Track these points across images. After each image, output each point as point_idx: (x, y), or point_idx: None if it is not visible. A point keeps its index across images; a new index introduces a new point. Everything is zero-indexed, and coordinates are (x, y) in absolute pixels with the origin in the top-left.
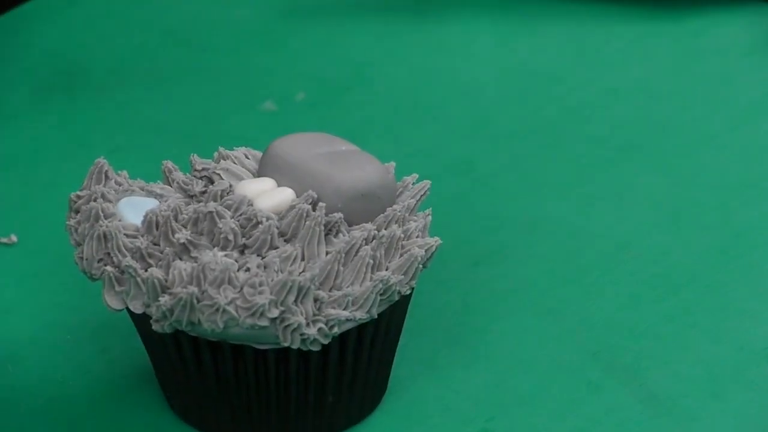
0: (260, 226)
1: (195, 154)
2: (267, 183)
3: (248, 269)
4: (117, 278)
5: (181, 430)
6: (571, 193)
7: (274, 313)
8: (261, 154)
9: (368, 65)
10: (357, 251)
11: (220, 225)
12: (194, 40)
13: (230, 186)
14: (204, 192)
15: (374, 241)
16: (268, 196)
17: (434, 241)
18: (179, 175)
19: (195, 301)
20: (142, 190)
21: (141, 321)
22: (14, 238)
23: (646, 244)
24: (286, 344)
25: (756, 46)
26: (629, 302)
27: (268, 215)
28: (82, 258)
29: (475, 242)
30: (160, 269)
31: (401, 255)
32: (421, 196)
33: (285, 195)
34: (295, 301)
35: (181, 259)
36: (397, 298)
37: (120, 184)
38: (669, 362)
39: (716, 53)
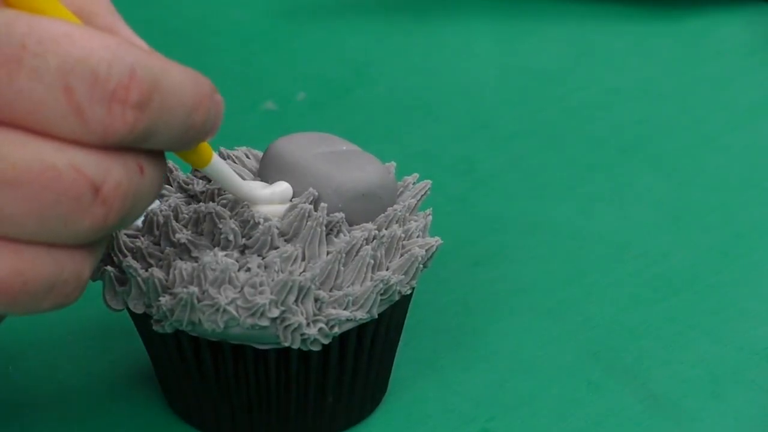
0: (260, 226)
1: None
2: (265, 187)
3: (249, 269)
4: (117, 278)
5: (181, 430)
6: (571, 194)
7: (275, 313)
8: (261, 153)
9: (368, 65)
10: (357, 251)
11: (221, 225)
12: (195, 40)
13: None
14: (204, 192)
15: (375, 241)
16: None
17: (435, 241)
18: (180, 175)
19: (195, 301)
20: None
21: (141, 321)
22: None
23: (646, 244)
24: (286, 344)
25: (756, 47)
26: (630, 303)
27: (265, 216)
28: None
29: (475, 242)
30: (161, 269)
31: (402, 255)
32: (422, 195)
33: (280, 206)
34: (296, 301)
35: (181, 259)
36: (397, 298)
37: None
38: (670, 362)
39: (717, 53)
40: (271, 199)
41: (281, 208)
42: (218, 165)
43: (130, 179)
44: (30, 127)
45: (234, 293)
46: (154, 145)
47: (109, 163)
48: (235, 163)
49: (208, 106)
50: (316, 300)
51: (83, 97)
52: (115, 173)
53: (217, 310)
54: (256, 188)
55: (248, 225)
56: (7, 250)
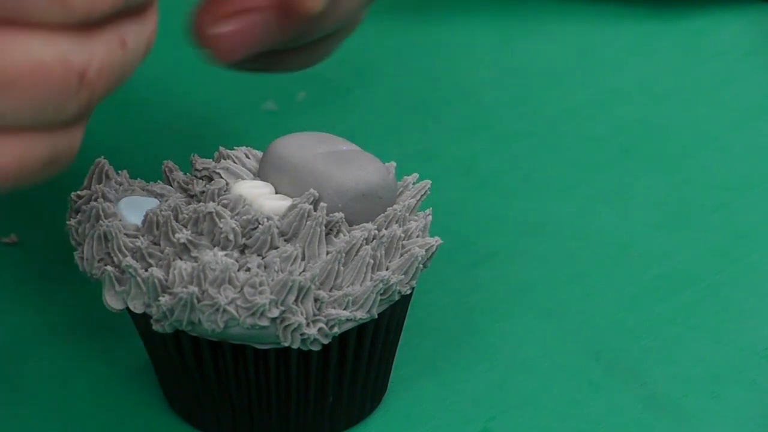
0: (260, 226)
1: (195, 154)
2: (265, 186)
3: (248, 269)
4: (117, 278)
5: (181, 430)
6: (572, 194)
7: (275, 313)
8: (261, 153)
9: (368, 65)
10: (357, 251)
11: (221, 225)
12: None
13: (227, 184)
14: (204, 192)
15: (374, 240)
16: (267, 199)
17: (435, 240)
18: (179, 175)
19: (195, 301)
20: (143, 190)
21: (141, 321)
22: (14, 237)
23: (647, 245)
24: (286, 344)
25: (756, 47)
26: (630, 303)
27: (268, 215)
28: (82, 258)
29: (475, 242)
30: (161, 269)
31: (402, 255)
32: (422, 195)
33: (283, 201)
34: (296, 301)
35: (181, 258)
36: (397, 298)
37: (120, 184)
38: (670, 363)
39: (717, 53)
40: None
41: (283, 205)
42: None
43: (112, 58)
44: (17, 19)
45: (234, 293)
46: (138, 3)
47: (92, 45)
48: (235, 163)
49: None
50: (316, 300)
51: None
52: (98, 55)
53: (217, 310)
54: None
55: (248, 224)
56: (6, 140)
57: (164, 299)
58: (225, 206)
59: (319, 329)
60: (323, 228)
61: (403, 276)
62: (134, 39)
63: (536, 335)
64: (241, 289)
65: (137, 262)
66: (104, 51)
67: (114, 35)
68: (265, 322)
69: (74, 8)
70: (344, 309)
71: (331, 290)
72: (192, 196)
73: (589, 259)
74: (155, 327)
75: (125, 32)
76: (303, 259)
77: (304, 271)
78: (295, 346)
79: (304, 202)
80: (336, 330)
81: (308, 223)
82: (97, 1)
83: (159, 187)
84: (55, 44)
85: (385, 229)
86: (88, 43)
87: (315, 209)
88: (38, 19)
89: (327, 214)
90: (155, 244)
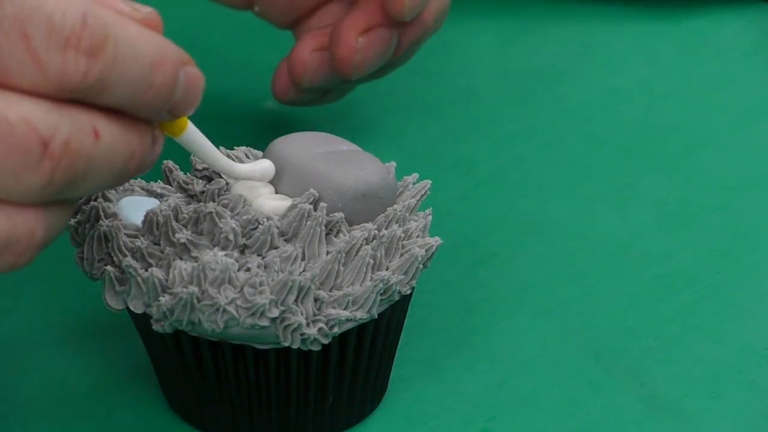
0: (260, 226)
1: None
2: (265, 186)
3: (248, 269)
4: (117, 278)
5: (181, 430)
6: (572, 194)
7: (275, 313)
8: (261, 153)
9: None
10: (357, 251)
11: (221, 225)
12: (195, 39)
13: (227, 184)
14: (204, 192)
15: (374, 240)
16: (267, 199)
17: (435, 240)
18: (179, 175)
19: (195, 301)
20: (143, 190)
21: (141, 321)
22: None
23: (647, 244)
24: (286, 344)
25: (756, 46)
26: (630, 303)
27: (268, 215)
28: (82, 258)
29: (475, 242)
30: (161, 269)
31: (402, 255)
32: (422, 195)
33: (283, 201)
34: (296, 301)
35: (181, 258)
36: (397, 298)
37: None
38: (670, 362)
39: (717, 53)
40: (250, 174)
41: (283, 205)
42: (193, 135)
43: (80, 140)
44: None
45: (234, 293)
46: (112, 99)
47: (59, 118)
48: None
49: (172, 70)
50: (316, 300)
51: (40, 44)
52: (64, 129)
53: (217, 310)
54: (234, 163)
55: (248, 224)
56: None
57: (164, 299)
58: (225, 206)
59: (319, 329)
60: (323, 228)
61: (403, 276)
62: (111, 139)
63: (536, 335)
64: (241, 289)
65: (137, 262)
66: (72, 129)
67: (86, 120)
68: (265, 322)
69: (48, 71)
70: (344, 309)
71: (331, 290)
72: (192, 196)
73: (589, 259)
74: (155, 327)
75: (100, 125)
76: (303, 259)
77: (304, 271)
78: (295, 346)
79: (304, 202)
80: (336, 330)
81: (308, 223)
82: (67, 71)
83: (159, 187)
84: (21, 105)
85: (385, 229)
86: (56, 115)
87: (315, 209)
88: (12, 78)
89: (327, 214)
90: (155, 244)
